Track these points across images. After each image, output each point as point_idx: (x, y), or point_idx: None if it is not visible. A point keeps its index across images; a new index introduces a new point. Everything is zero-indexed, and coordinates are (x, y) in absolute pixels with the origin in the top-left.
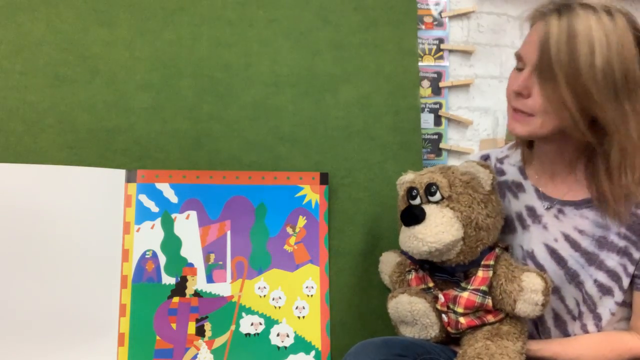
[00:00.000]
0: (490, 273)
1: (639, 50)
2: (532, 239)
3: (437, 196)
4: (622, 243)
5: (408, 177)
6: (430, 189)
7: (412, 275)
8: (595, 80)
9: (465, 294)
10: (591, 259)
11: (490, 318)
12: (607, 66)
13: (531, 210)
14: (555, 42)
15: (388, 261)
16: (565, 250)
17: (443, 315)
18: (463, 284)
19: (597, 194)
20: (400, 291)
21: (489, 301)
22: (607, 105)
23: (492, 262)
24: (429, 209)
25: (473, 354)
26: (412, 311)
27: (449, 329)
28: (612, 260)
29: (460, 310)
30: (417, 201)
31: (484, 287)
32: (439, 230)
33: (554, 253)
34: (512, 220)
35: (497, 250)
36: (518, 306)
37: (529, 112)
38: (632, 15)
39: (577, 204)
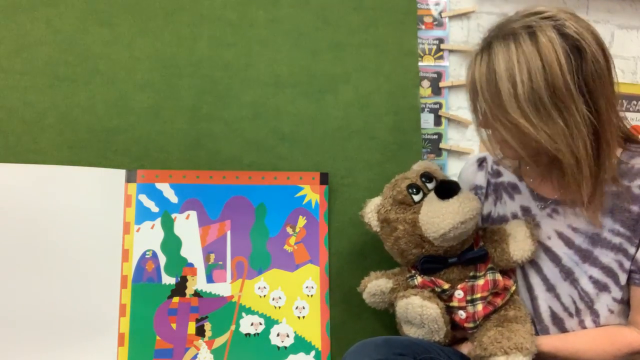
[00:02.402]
0: (486, 251)
1: (572, 56)
2: None
3: (434, 182)
4: (616, 239)
5: (376, 201)
6: (426, 177)
7: (419, 281)
8: (521, 110)
9: (481, 281)
10: (585, 256)
11: (498, 301)
12: (532, 93)
13: (526, 211)
14: (480, 87)
15: (381, 292)
16: (559, 247)
17: (461, 312)
18: (472, 273)
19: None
20: (412, 292)
21: (498, 275)
22: (540, 127)
23: (482, 243)
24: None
25: (489, 340)
26: (423, 315)
27: (465, 325)
28: (606, 257)
29: (479, 295)
30: (421, 195)
31: (490, 265)
32: (472, 195)
33: (548, 251)
34: (508, 221)
35: (479, 232)
36: (512, 249)
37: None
38: (564, 17)
39: (572, 203)
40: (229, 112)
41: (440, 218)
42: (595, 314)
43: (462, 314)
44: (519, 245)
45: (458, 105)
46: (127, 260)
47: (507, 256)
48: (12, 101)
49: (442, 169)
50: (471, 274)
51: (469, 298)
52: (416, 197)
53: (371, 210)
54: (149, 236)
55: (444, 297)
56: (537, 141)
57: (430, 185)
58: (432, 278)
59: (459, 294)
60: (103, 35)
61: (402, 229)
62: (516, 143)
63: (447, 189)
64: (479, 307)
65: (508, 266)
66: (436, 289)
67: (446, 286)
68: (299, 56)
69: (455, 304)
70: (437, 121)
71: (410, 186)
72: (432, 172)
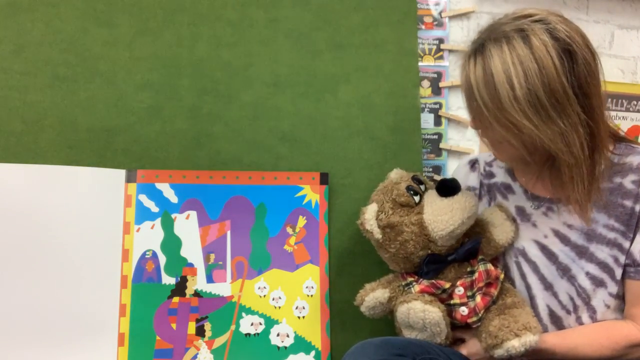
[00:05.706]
0: (480, 240)
1: (565, 58)
2: (522, 237)
3: (425, 184)
4: (611, 235)
5: (372, 208)
6: (417, 180)
7: (417, 289)
8: (522, 111)
9: (477, 274)
10: (581, 252)
11: (493, 291)
12: (530, 94)
13: (520, 210)
14: (476, 89)
15: (380, 303)
16: (555, 245)
17: (463, 308)
18: (469, 268)
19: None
20: (413, 297)
21: (489, 265)
22: (542, 128)
23: (467, 239)
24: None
25: (496, 328)
26: (425, 319)
27: (469, 320)
28: (602, 252)
29: (476, 287)
30: (418, 197)
31: (480, 257)
32: (469, 191)
33: (544, 249)
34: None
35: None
36: (495, 235)
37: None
38: (554, 20)
39: (567, 200)
40: (229, 112)
41: (448, 215)
42: (592, 309)
43: (464, 310)
44: (500, 229)
45: (458, 105)
46: (127, 260)
47: (493, 243)
48: (12, 101)
49: (441, 170)
50: (468, 269)
51: (469, 293)
52: (416, 198)
53: (371, 217)
54: (149, 236)
55: (444, 296)
56: (536, 141)
57: (422, 187)
58: (432, 281)
59: (459, 290)
60: (103, 35)
61: (409, 231)
62: (516, 142)
63: (450, 187)
64: (478, 298)
65: (497, 252)
66: (436, 291)
67: (447, 285)
68: (299, 56)
69: (456, 300)
70: (437, 121)
71: (408, 188)
72: (418, 176)
